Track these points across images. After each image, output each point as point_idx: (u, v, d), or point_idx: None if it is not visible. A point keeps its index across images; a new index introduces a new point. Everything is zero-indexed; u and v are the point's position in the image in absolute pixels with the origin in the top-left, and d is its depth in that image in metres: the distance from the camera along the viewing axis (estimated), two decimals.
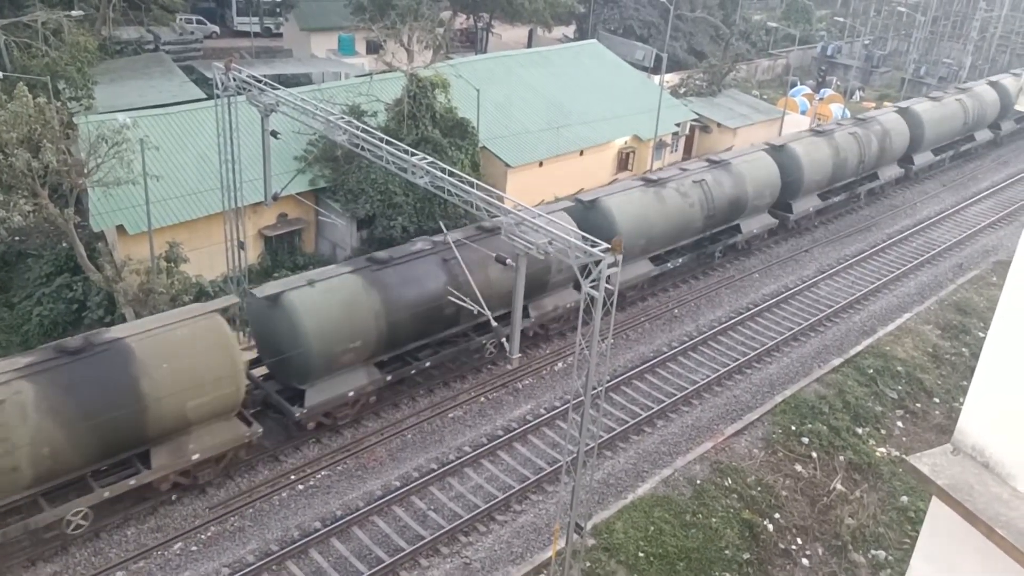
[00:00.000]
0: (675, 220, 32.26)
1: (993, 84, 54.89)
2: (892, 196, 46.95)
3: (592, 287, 16.45)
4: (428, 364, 26.36)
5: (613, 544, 21.48)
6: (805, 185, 38.88)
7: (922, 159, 48.18)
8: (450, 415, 26.16)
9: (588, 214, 29.66)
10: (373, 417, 25.71)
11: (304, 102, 24.55)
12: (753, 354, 30.29)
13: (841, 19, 77.23)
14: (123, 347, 19.87)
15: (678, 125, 47.56)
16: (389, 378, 25.19)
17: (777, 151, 38.14)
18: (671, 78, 56.26)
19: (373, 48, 53.97)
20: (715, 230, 35.21)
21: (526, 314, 27.51)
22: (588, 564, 20.66)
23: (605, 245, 16.68)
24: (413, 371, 26.05)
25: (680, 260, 33.94)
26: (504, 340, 23.42)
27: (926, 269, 38.73)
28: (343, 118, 24.34)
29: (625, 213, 30.31)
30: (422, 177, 21.30)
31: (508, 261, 20.92)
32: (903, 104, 48.63)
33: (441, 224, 27.74)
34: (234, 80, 25.14)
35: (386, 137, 22.50)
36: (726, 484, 24.13)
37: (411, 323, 24.82)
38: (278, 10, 64.96)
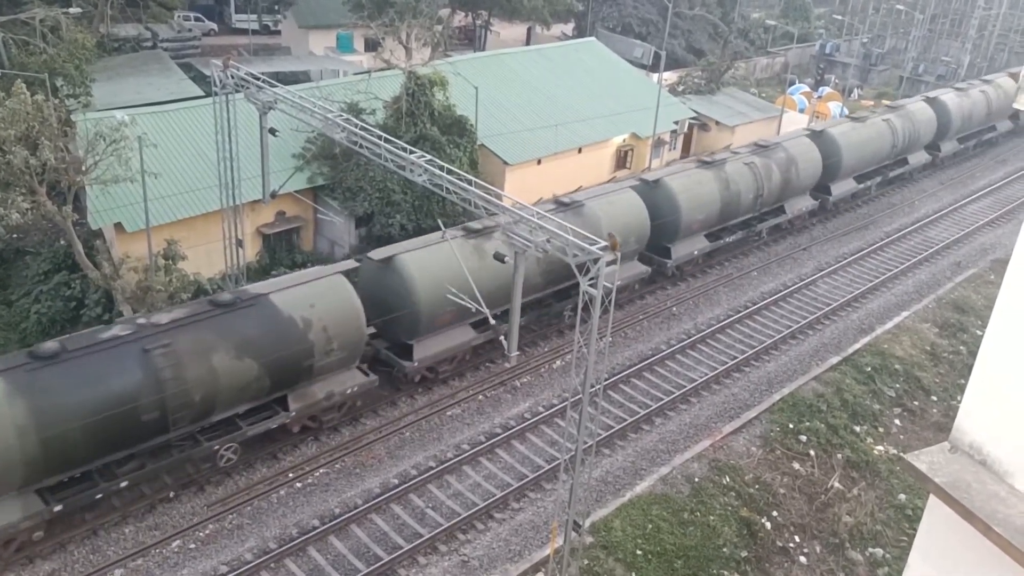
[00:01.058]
0: (503, 280, 24.13)
1: (930, 101, 49.33)
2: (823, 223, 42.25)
3: (591, 285, 16.46)
4: (125, 484, 20.84)
5: (611, 542, 21.50)
6: (684, 226, 33.57)
7: (841, 188, 42.77)
8: (448, 413, 26.16)
9: (383, 273, 25.68)
10: (371, 415, 25.74)
11: (302, 100, 24.52)
12: (751, 352, 30.31)
13: (839, 17, 77.24)
14: None
15: (676, 123, 47.57)
16: (59, 508, 19.79)
17: (649, 188, 33.06)
18: (669, 76, 56.24)
19: (371, 46, 53.94)
20: (560, 286, 29.42)
21: (284, 407, 23.26)
22: (586, 562, 20.68)
23: (603, 243, 16.69)
24: (100, 495, 20.54)
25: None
26: (503, 338, 23.42)
27: (924, 267, 38.77)
28: (341, 116, 24.33)
29: (427, 272, 25.27)
30: (420, 175, 21.29)
31: (506, 259, 20.90)
32: (817, 127, 43.75)
33: (439, 222, 27.68)
34: (232, 77, 25.10)
35: (384, 135, 22.48)
36: (724, 482, 24.16)
37: (86, 438, 19.38)
38: (276, 7, 64.86)
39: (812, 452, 26.01)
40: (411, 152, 21.67)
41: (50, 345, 19.67)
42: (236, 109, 26.02)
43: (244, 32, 60.77)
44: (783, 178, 38.05)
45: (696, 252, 35.16)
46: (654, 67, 56.71)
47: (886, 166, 46.20)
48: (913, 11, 72.58)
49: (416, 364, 25.94)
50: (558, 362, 29.09)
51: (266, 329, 22.15)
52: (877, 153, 44.30)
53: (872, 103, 60.63)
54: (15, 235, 30.85)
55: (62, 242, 29.55)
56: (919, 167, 49.28)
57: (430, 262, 25.59)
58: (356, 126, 23.03)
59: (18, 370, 19.01)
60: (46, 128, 25.01)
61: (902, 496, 24.81)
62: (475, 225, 27.21)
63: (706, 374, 28.84)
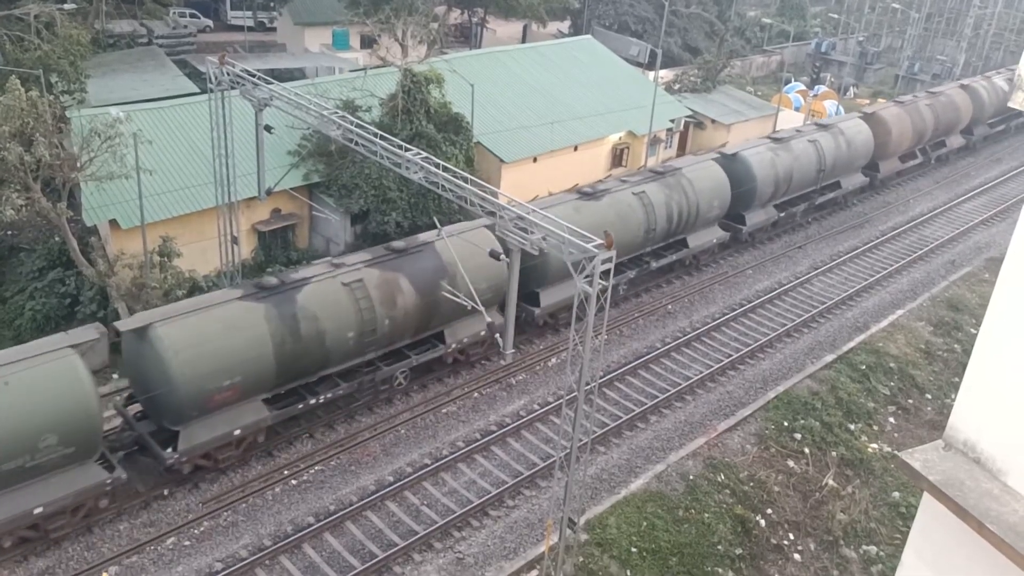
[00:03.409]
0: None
1: (726, 159, 36.50)
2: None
3: (586, 282, 16.46)
4: None
5: (606, 539, 21.52)
6: None
7: (553, 297, 29.04)
8: (443, 410, 26.16)
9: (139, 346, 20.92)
10: (367, 413, 25.74)
11: (298, 97, 24.49)
12: (746, 350, 30.35)
13: (835, 15, 77.27)
14: None
15: (672, 121, 47.59)
16: None
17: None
18: (666, 74, 56.22)
19: (367, 43, 53.84)
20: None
21: None
22: (581, 559, 20.71)
23: (599, 241, 16.70)
24: None
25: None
26: (498, 336, 23.43)
27: (919, 266, 38.86)
28: (337, 113, 24.30)
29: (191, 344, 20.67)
30: (416, 172, 21.28)
31: (502, 257, 20.91)
32: (556, 199, 30.31)
33: (435, 220, 27.67)
34: (228, 74, 25.06)
35: (380, 132, 22.47)
36: (719, 480, 24.21)
37: None
38: (272, 4, 64.70)
39: (807, 450, 26.06)
40: (407, 149, 21.66)
41: None
42: (231, 106, 25.98)
43: (240, 29, 60.65)
44: (425, 302, 25.00)
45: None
46: (650, 65, 56.68)
47: (646, 254, 33.16)
48: (909, 10, 72.73)
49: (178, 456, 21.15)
50: (553, 360, 29.11)
51: None
52: (624, 242, 29.63)
53: (867, 101, 60.72)
54: (10, 232, 30.78)
55: (57, 239, 29.47)
56: (706, 249, 35.79)
57: (196, 330, 20.77)
58: (352, 123, 23.00)
59: None
60: (41, 124, 24.94)
61: (896, 494, 24.88)
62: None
63: (701, 372, 28.87)
